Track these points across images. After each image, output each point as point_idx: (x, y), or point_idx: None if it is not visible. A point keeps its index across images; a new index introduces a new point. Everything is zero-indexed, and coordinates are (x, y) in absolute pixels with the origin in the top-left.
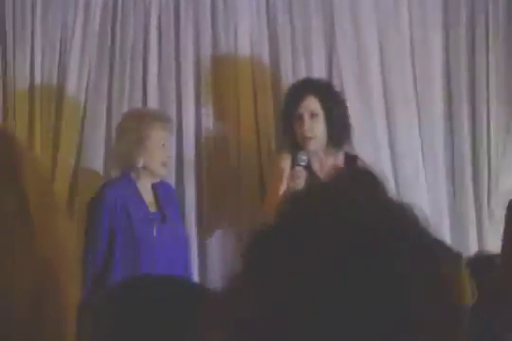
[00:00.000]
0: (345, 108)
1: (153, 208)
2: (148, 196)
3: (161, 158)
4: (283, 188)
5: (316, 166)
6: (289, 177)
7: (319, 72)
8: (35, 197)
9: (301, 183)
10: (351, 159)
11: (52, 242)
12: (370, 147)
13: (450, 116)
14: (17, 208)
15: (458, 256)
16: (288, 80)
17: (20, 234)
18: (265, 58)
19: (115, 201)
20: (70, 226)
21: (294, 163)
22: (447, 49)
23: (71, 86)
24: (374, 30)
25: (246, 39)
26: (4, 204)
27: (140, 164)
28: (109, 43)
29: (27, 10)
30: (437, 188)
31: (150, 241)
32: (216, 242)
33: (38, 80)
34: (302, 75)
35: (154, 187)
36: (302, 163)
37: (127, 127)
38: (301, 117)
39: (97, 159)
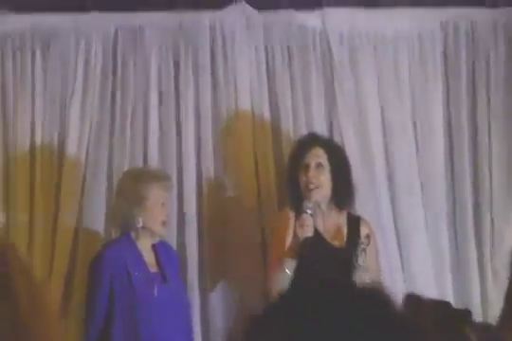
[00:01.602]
0: (349, 167)
1: (153, 268)
2: (148, 256)
3: (161, 218)
4: (289, 238)
5: (319, 224)
6: (298, 225)
7: (319, 127)
8: (26, 302)
9: (309, 230)
10: (354, 220)
11: None
12: (371, 204)
13: (452, 171)
14: (8, 313)
15: (468, 314)
16: (290, 136)
17: (9, 338)
18: (266, 114)
19: (115, 262)
20: (62, 329)
21: (300, 211)
22: (447, 100)
23: (72, 147)
24: (375, 85)
25: (247, 95)
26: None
27: (140, 224)
28: (109, 101)
29: (27, 71)
30: (439, 244)
31: (151, 301)
32: (218, 297)
33: (38, 140)
34: (303, 131)
35: (154, 247)
36: (309, 210)
37: (126, 187)
38: (307, 167)
39: (98, 219)
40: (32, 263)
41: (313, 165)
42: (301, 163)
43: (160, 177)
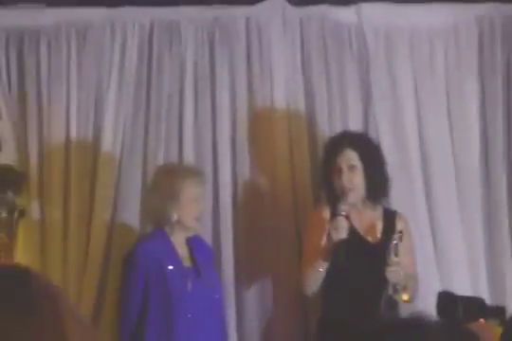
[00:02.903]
0: (383, 162)
1: (187, 263)
2: (182, 251)
3: (194, 213)
4: (323, 239)
5: (355, 219)
6: (331, 227)
7: (354, 124)
8: None
9: (343, 233)
10: (389, 215)
11: None
12: (406, 198)
13: (487, 166)
14: None
15: (502, 311)
16: (325, 131)
17: None
18: (301, 109)
19: (149, 257)
20: None
21: (334, 213)
22: (483, 96)
23: (106, 141)
24: (410, 80)
25: (282, 89)
26: None
27: (174, 218)
28: (144, 95)
29: (62, 66)
30: (473, 238)
31: (184, 295)
32: (253, 292)
33: (73, 133)
34: (339, 126)
35: (188, 241)
36: (343, 213)
37: (160, 182)
38: (339, 170)
39: (132, 213)
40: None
41: (345, 168)
42: (334, 166)
43: (194, 173)
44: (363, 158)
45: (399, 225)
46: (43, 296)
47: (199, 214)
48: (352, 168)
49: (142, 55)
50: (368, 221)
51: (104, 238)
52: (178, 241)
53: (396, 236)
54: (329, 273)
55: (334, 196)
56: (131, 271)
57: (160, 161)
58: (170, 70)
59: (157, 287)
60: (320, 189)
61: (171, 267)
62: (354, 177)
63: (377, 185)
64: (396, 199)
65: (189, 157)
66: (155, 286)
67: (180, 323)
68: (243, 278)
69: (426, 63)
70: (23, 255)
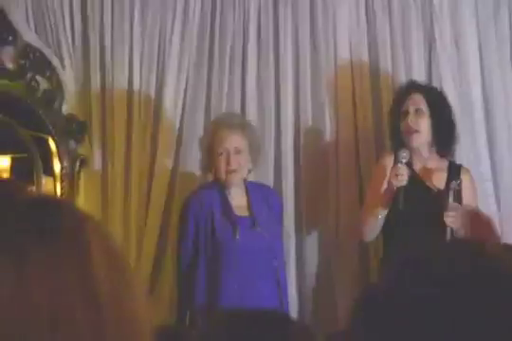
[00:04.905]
0: (450, 110)
1: (243, 212)
2: (240, 200)
3: (224, 166)
4: (384, 186)
5: (418, 166)
6: (391, 174)
7: (418, 75)
8: (106, 284)
9: (403, 180)
10: (455, 167)
11: (123, 330)
12: (470, 153)
13: None
14: (86, 297)
15: None
16: (388, 83)
17: (88, 326)
18: (365, 61)
19: (200, 205)
20: (147, 303)
21: (396, 161)
22: None
23: (169, 93)
24: (474, 32)
25: (346, 43)
26: (72, 292)
27: (211, 171)
28: (208, 45)
29: (125, 17)
30: None
31: (233, 244)
32: (313, 244)
33: (136, 87)
34: (402, 78)
35: (249, 190)
36: (404, 160)
37: (202, 136)
38: (406, 112)
39: (194, 165)
40: (128, 209)
41: (412, 110)
42: (402, 109)
43: (227, 125)
44: (431, 106)
45: (463, 178)
46: (69, 219)
47: (233, 167)
48: (418, 111)
49: (206, 6)
50: (433, 170)
51: (166, 186)
52: (236, 190)
53: (456, 182)
54: (389, 219)
55: (399, 143)
56: (182, 222)
57: (223, 108)
58: (233, 23)
59: (207, 237)
60: (382, 136)
61: (219, 216)
62: (420, 120)
63: (444, 131)
64: (459, 151)
65: (250, 110)
66: (204, 236)
67: (228, 272)
68: (304, 227)
69: (490, 15)
70: (84, 204)
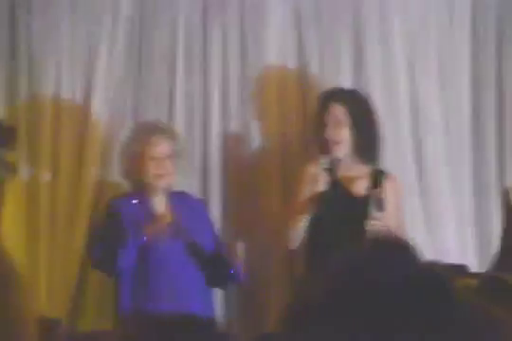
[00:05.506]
0: (374, 119)
1: (167, 219)
2: (162, 208)
3: (153, 171)
4: (307, 192)
5: (340, 173)
6: (313, 181)
7: (345, 80)
8: None
9: (321, 185)
10: (378, 174)
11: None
12: (396, 159)
13: (478, 128)
14: None
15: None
16: (316, 87)
17: None
18: (293, 66)
19: (124, 215)
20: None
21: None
22: (475, 52)
23: (98, 97)
24: (403, 37)
25: (274, 47)
26: None
27: (137, 177)
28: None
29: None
30: (462, 199)
31: (158, 253)
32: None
33: (64, 92)
34: (331, 82)
35: (172, 198)
36: (324, 166)
37: (126, 142)
38: (326, 124)
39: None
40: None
41: (331, 122)
42: (323, 120)
43: (158, 131)
44: (352, 113)
45: (387, 185)
46: None
47: (160, 171)
48: (338, 122)
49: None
50: (354, 176)
51: (93, 197)
52: (160, 198)
53: (377, 191)
54: (311, 225)
55: (323, 151)
56: (104, 225)
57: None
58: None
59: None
60: (310, 145)
61: (143, 224)
62: (339, 131)
63: (365, 142)
64: (386, 159)
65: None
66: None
67: (155, 282)
68: (230, 234)
69: (418, 11)
70: (8, 214)
